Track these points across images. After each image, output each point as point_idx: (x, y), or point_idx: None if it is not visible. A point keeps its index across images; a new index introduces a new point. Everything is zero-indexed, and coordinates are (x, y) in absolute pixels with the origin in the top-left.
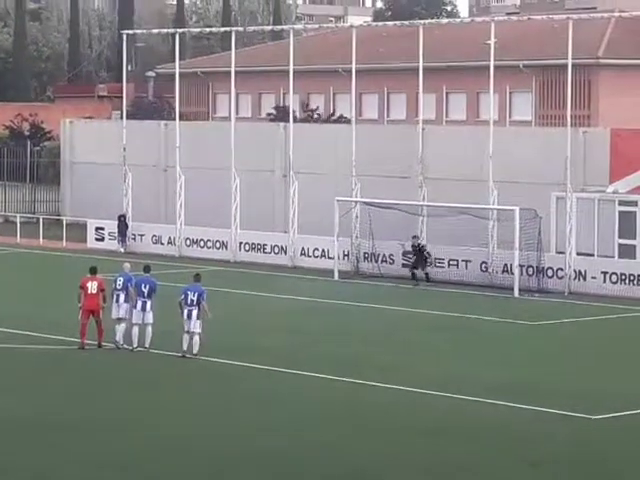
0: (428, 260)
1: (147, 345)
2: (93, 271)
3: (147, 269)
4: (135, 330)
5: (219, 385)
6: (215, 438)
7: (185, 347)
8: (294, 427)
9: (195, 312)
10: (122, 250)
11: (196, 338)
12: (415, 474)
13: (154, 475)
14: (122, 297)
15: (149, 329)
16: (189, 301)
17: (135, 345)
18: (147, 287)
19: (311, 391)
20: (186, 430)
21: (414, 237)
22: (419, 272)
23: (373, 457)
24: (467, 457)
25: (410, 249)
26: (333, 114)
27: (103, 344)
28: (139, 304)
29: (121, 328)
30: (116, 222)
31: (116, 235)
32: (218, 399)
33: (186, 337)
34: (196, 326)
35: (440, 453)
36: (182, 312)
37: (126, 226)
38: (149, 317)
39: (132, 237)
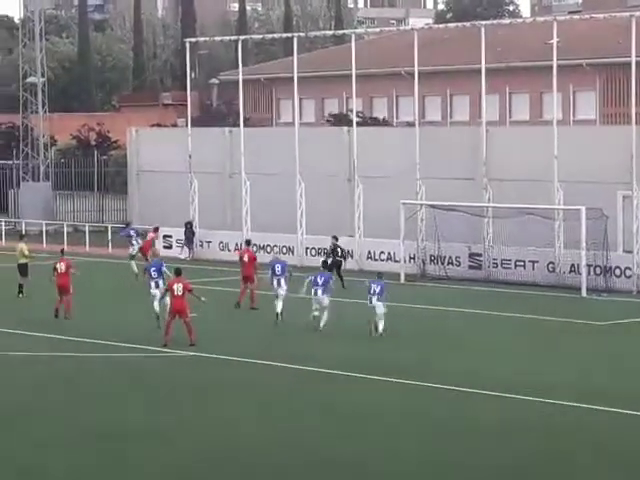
0: (341, 261)
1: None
2: (178, 272)
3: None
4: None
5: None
6: (281, 446)
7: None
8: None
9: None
10: (189, 257)
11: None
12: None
13: None
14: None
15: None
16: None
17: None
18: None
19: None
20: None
21: (333, 237)
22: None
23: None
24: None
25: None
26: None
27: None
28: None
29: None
30: (183, 229)
31: (183, 242)
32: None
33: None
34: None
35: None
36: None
37: (193, 233)
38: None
39: (199, 244)
